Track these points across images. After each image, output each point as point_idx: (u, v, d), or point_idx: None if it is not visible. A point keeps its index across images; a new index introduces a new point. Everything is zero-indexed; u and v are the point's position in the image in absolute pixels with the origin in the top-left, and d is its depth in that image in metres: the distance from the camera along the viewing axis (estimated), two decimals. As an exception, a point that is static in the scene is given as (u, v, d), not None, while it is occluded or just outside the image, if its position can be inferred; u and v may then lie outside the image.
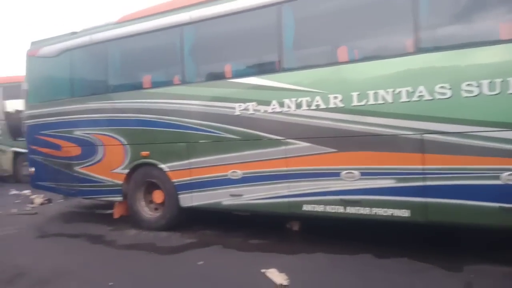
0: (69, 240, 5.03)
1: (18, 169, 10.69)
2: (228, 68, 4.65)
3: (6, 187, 9.64)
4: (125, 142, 5.35)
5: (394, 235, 4.20)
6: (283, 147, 4.18)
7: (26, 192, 8.86)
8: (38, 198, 7.66)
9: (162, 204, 5.26)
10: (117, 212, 5.63)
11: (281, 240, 4.55)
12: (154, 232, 5.12)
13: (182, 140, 4.86)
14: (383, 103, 3.62)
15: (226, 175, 4.59)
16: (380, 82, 3.66)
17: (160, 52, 5.23)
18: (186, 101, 4.80)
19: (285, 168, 4.19)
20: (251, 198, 4.44)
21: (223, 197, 4.66)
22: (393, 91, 3.57)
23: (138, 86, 5.28)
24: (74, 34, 5.85)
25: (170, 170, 4.99)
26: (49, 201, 7.65)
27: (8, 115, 10.68)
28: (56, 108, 5.91)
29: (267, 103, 4.21)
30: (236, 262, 3.92)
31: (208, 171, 4.72)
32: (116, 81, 5.49)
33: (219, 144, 4.62)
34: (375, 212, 3.75)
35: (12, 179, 10.65)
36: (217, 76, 4.79)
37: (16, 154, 10.54)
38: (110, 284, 3.43)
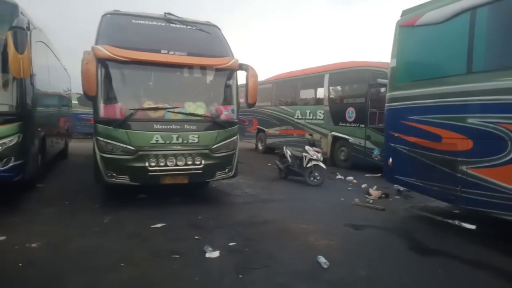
0: (464, 267, 3.65)
1: (335, 153, 10.96)
2: None
3: (328, 170, 9.70)
4: None
5: None
6: None
7: (350, 178, 8.63)
8: (374, 190, 6.99)
9: None
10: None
11: None
12: None
13: None
14: None
15: None
16: None
17: None
18: None
19: None
20: None
21: None
22: None
23: None
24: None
25: None
26: (386, 195, 6.77)
27: (332, 101, 11.06)
28: (439, 88, 4.64)
29: None
30: None
31: None
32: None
33: None
34: None
35: (328, 162, 10.94)
36: None
37: (335, 138, 10.81)
38: None
